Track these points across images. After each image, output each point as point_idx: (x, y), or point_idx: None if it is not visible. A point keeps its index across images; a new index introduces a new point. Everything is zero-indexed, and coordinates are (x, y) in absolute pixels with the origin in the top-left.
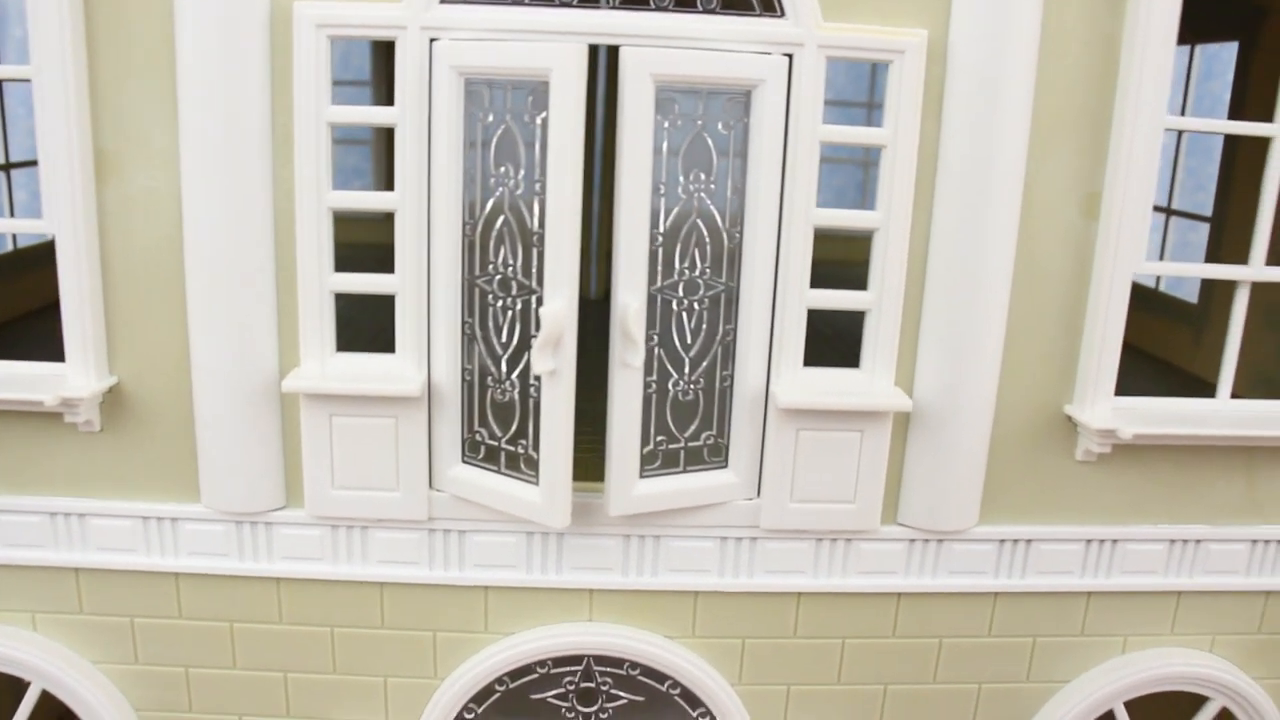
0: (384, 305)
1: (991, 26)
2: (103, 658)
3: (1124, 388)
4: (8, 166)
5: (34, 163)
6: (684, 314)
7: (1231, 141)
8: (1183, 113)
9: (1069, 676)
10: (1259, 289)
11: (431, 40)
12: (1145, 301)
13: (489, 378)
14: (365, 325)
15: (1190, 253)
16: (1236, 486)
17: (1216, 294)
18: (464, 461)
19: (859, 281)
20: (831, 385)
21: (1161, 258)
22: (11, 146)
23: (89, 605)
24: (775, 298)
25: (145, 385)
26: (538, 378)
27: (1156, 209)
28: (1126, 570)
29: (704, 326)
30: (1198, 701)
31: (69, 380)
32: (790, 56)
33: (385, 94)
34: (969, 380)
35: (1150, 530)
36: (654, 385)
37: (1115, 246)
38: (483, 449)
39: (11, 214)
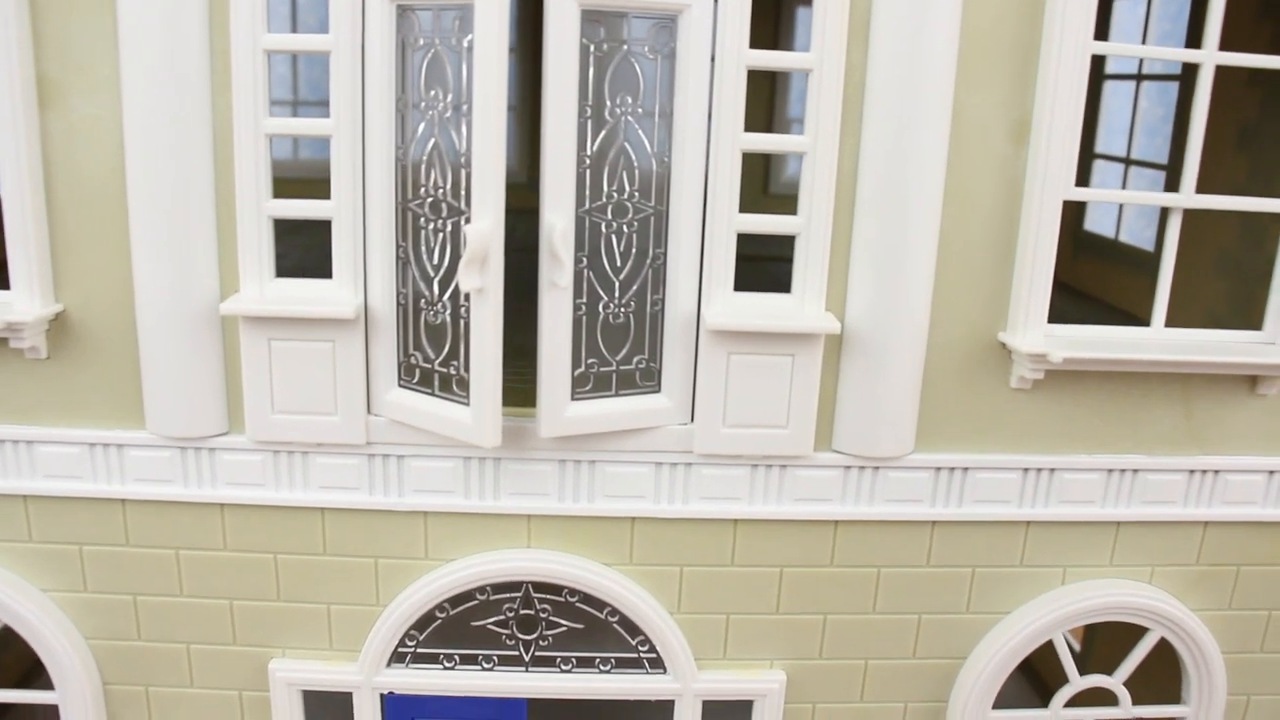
0: (322, 232)
1: None
2: (52, 585)
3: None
4: None
5: None
6: (613, 237)
7: (1186, 87)
8: (1140, 64)
9: (1009, 608)
10: (1209, 233)
11: None
12: (1103, 251)
13: (422, 300)
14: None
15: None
16: (1173, 416)
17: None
18: (400, 385)
19: None
20: (762, 308)
21: (1120, 216)
22: None
23: (38, 533)
24: (704, 221)
25: (91, 312)
26: (468, 298)
27: (1114, 158)
28: (1064, 500)
29: (633, 250)
30: (1137, 633)
31: (14, 306)
32: None
33: None
34: (900, 305)
35: (1087, 459)
36: (584, 308)
37: (1044, 172)
38: (418, 372)
39: None
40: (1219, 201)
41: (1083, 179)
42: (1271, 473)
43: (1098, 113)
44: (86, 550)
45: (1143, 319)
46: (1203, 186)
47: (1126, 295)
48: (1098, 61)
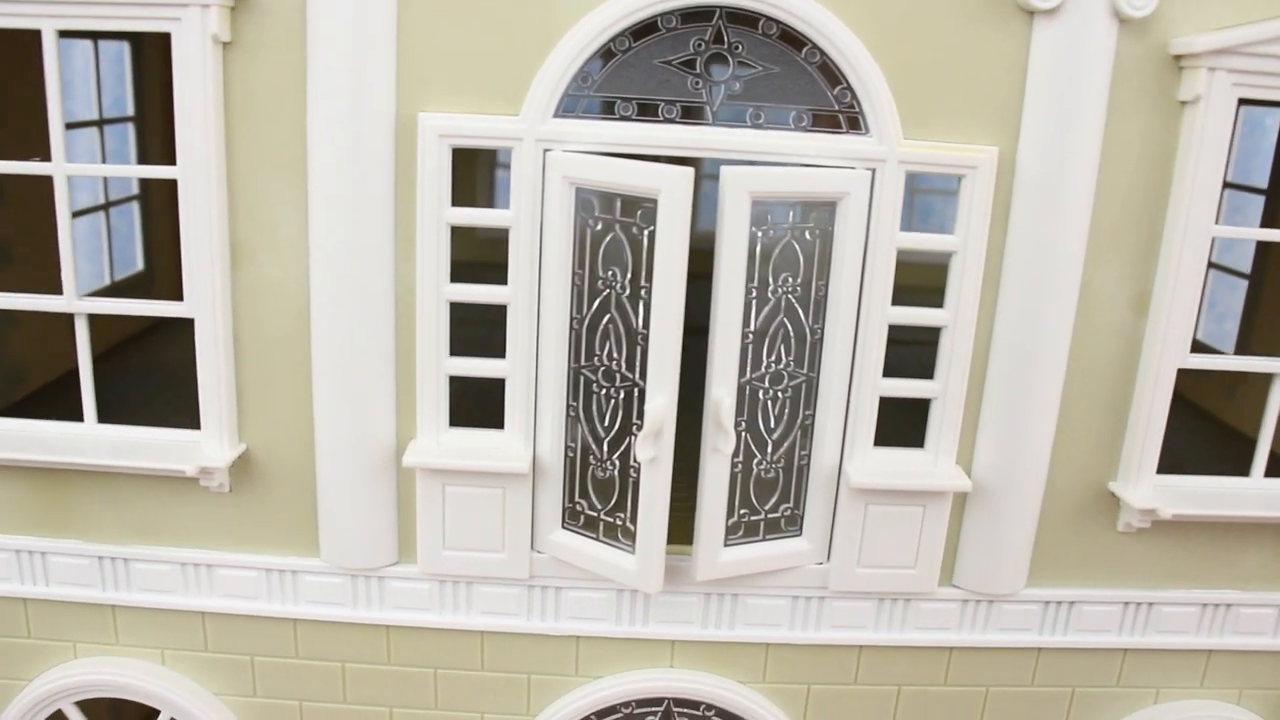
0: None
1: (1056, 144)
2: (224, 690)
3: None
4: (106, 206)
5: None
6: (769, 402)
7: (1273, 199)
8: (1226, 169)
9: None
10: None
11: (545, 151)
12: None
13: (590, 456)
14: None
15: (1231, 297)
16: (1266, 555)
17: (1252, 348)
18: (564, 527)
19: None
20: (899, 466)
21: (1200, 308)
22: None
23: (213, 644)
24: (851, 386)
25: (271, 452)
26: (637, 459)
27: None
28: (1161, 630)
29: (786, 412)
30: None
31: (204, 449)
32: (873, 171)
33: None
34: (1023, 460)
35: (1184, 594)
36: (739, 465)
37: (1163, 341)
38: (582, 517)
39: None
40: None
41: None
42: None
43: None
44: (257, 660)
45: (1216, 414)
46: None
47: (1201, 392)
48: None
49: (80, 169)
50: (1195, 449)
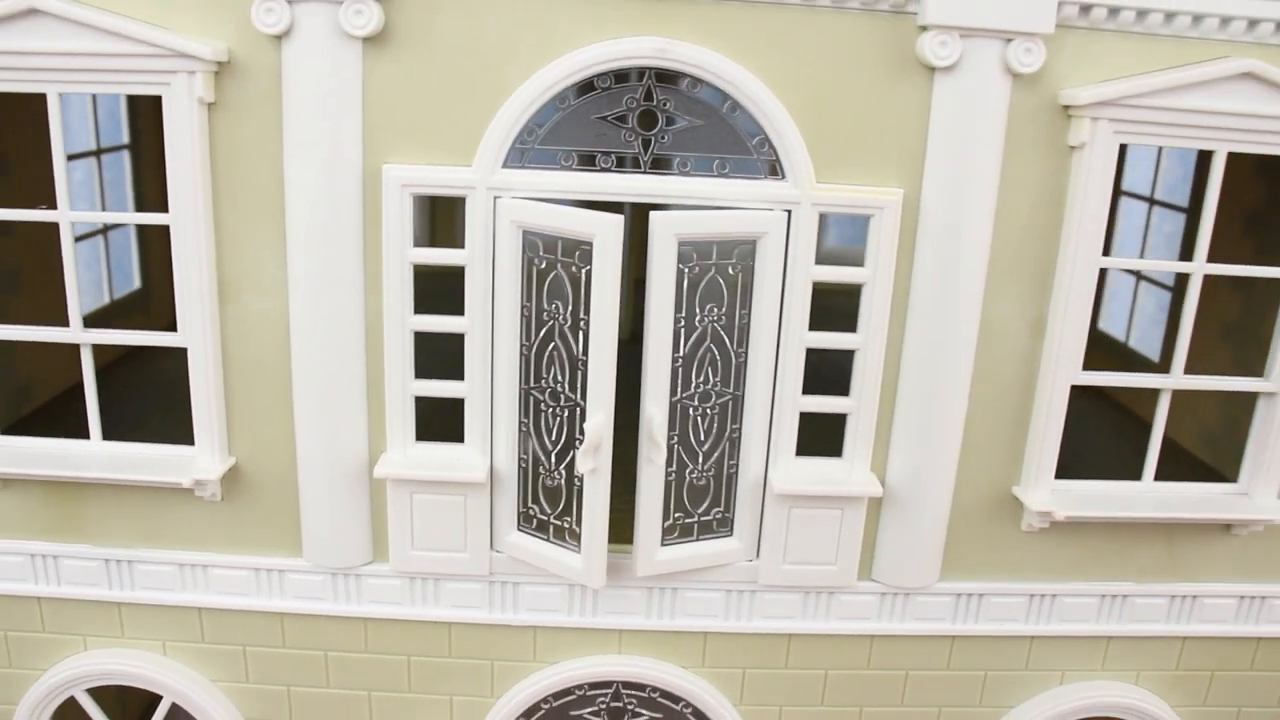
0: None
1: (957, 185)
2: (219, 677)
3: (1088, 433)
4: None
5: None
6: (699, 418)
7: (1193, 216)
8: (1153, 188)
9: (1014, 703)
10: (1211, 353)
11: (495, 197)
12: (1114, 352)
13: (540, 466)
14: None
15: (1158, 306)
16: (1158, 550)
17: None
18: (519, 530)
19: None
20: (818, 473)
21: (1131, 317)
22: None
23: (209, 636)
24: (773, 403)
25: (258, 464)
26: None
27: (1127, 271)
28: (1064, 619)
29: (715, 426)
30: None
31: (198, 462)
32: (789, 212)
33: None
34: (932, 467)
35: (1084, 586)
36: (674, 473)
37: (1057, 361)
38: (535, 521)
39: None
40: (1204, 382)
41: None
42: (1241, 597)
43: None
44: (249, 650)
45: (1142, 416)
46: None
47: (1130, 394)
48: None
49: (83, 216)
50: (1124, 450)
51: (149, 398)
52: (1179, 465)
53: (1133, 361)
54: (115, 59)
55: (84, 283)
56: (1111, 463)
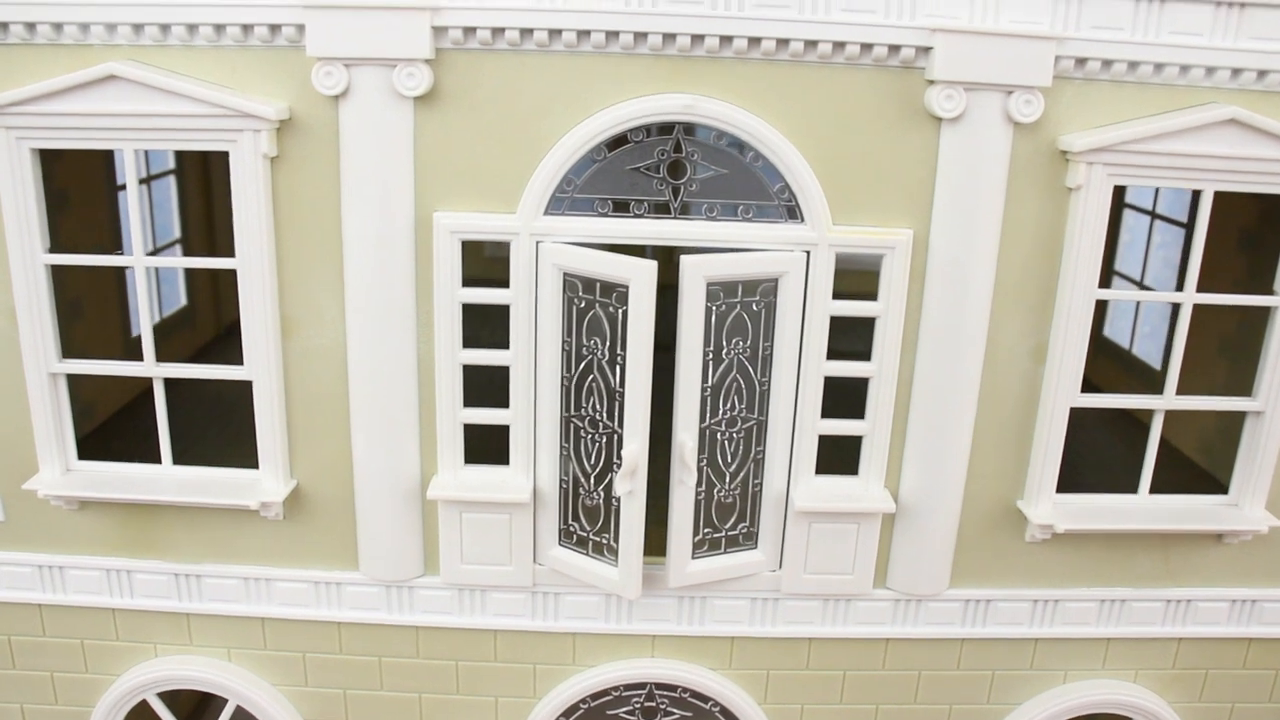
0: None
1: (963, 225)
2: (280, 681)
3: (1095, 440)
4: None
5: None
6: (726, 441)
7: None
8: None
9: (1020, 701)
10: (1208, 367)
11: (538, 242)
12: (1118, 358)
13: (580, 487)
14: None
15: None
16: (1154, 558)
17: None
18: (560, 545)
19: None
20: (836, 491)
21: (1134, 329)
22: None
23: (271, 644)
24: (794, 427)
25: (318, 486)
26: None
27: (1130, 279)
28: (1066, 622)
29: (740, 449)
30: None
31: (263, 485)
32: (808, 253)
33: None
34: (942, 483)
35: (1085, 592)
36: (703, 492)
37: (1057, 384)
38: (575, 537)
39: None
40: (1195, 402)
41: None
42: (1233, 601)
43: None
44: (308, 656)
45: (1143, 420)
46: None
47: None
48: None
49: (156, 261)
50: (1128, 456)
51: (204, 412)
52: (1179, 471)
53: (1135, 369)
54: (186, 119)
55: (134, 302)
56: (1115, 468)
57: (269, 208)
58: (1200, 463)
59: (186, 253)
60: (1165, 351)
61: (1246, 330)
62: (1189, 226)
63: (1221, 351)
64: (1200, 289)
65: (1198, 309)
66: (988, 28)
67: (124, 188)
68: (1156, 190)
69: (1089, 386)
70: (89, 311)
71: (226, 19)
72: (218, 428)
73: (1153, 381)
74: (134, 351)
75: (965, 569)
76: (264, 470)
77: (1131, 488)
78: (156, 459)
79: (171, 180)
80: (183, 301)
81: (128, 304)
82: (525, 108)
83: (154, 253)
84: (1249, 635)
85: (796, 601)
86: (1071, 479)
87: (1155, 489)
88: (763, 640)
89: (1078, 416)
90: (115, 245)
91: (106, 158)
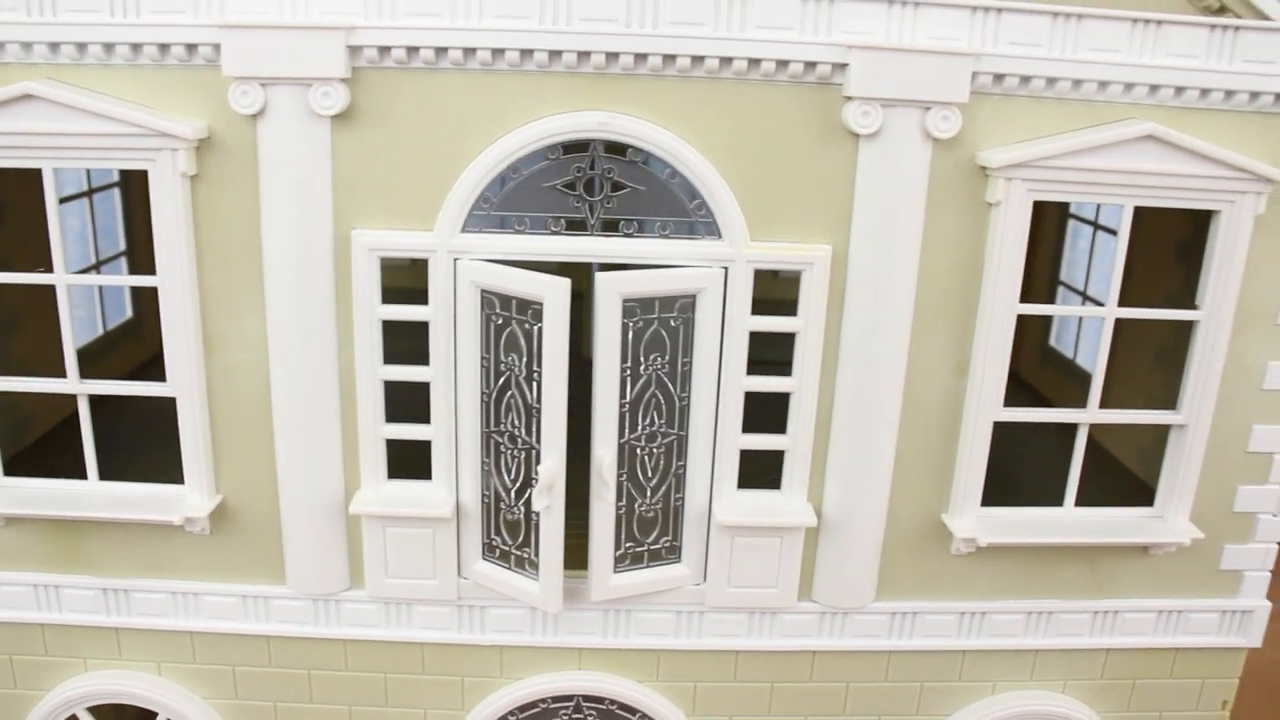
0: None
1: (882, 241)
2: (210, 695)
3: (1035, 450)
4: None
5: None
6: (646, 456)
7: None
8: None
9: (949, 712)
10: (1144, 377)
11: (455, 259)
12: (1063, 368)
13: (501, 502)
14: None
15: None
16: (1080, 570)
17: (1114, 372)
18: (484, 559)
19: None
20: (758, 505)
21: (1077, 340)
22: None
23: (200, 658)
24: (715, 441)
25: (243, 500)
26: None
27: (1075, 290)
28: (994, 634)
29: (661, 464)
30: None
31: (188, 500)
32: (726, 269)
33: None
34: (864, 497)
35: (1011, 604)
36: (624, 507)
37: (979, 399)
38: (497, 550)
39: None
40: (1118, 416)
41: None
42: (1160, 612)
43: None
44: (238, 670)
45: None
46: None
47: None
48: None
49: (78, 279)
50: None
51: (145, 425)
52: (1117, 480)
53: (1079, 379)
54: (104, 138)
55: (79, 314)
56: (1059, 479)
57: (189, 226)
58: (1138, 473)
59: (131, 265)
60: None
61: (1181, 342)
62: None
63: (1158, 362)
64: (1138, 300)
65: (1135, 321)
66: (904, 44)
67: (64, 201)
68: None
69: (1037, 397)
70: (27, 325)
71: (143, 38)
72: (159, 442)
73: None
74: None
75: (891, 582)
76: (189, 486)
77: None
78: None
79: (116, 193)
80: (129, 314)
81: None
82: (443, 126)
83: (98, 265)
84: (1175, 645)
85: (721, 615)
86: (1013, 489)
87: (1094, 499)
88: (689, 653)
89: (1021, 427)
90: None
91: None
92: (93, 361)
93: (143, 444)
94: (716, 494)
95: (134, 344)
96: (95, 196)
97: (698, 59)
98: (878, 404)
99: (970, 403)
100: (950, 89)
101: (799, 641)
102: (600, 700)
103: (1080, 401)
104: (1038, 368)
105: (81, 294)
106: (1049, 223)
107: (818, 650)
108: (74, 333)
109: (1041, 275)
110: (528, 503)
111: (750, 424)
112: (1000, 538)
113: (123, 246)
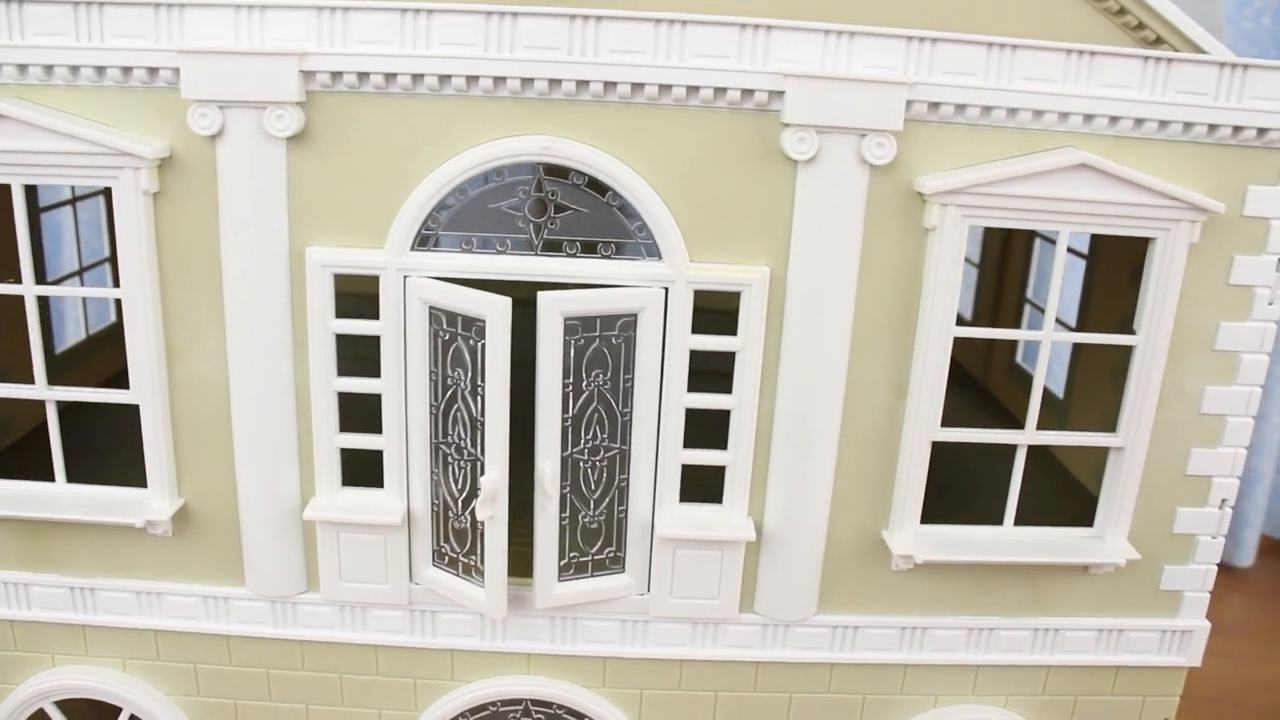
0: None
1: (820, 263)
2: (173, 691)
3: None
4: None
5: None
6: (589, 469)
7: (1091, 264)
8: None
9: None
10: (1101, 395)
11: (405, 276)
12: (1029, 386)
13: (449, 511)
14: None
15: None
16: (1022, 588)
17: (1076, 391)
18: (433, 565)
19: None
20: (699, 519)
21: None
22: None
23: (164, 655)
24: (657, 456)
25: (204, 504)
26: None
27: (1035, 306)
28: (935, 649)
29: (604, 477)
30: None
31: (151, 504)
32: (666, 289)
33: None
34: (805, 512)
35: (953, 620)
36: (567, 518)
37: (917, 419)
38: (446, 557)
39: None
40: (1055, 438)
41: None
42: (1100, 630)
43: None
44: (199, 668)
45: (1048, 449)
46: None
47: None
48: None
49: (46, 290)
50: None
51: (119, 430)
52: (1072, 499)
53: (1044, 397)
54: (69, 156)
55: (64, 318)
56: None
57: (151, 241)
58: (1093, 491)
59: (114, 274)
60: (1068, 381)
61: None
62: (1090, 259)
63: (1113, 382)
64: (1095, 322)
65: (1093, 341)
66: (839, 73)
67: (46, 210)
68: None
69: (1005, 414)
70: (8, 330)
71: (106, 61)
72: (132, 445)
73: (1057, 409)
74: (58, 369)
75: (833, 595)
76: (152, 489)
77: (1028, 515)
78: (71, 474)
79: (100, 200)
80: (111, 318)
81: (51, 323)
82: (393, 148)
83: (81, 272)
84: (1116, 663)
85: (666, 624)
86: (966, 506)
87: (1048, 518)
88: (635, 660)
89: (981, 444)
90: (35, 266)
91: None
92: (77, 364)
93: (117, 447)
94: (659, 507)
95: (116, 350)
96: (87, 201)
97: (638, 86)
98: (817, 422)
99: (909, 422)
100: (885, 117)
101: (742, 652)
102: (548, 705)
103: (1047, 420)
104: (1007, 385)
105: (69, 298)
106: (1018, 242)
107: (761, 661)
108: (61, 335)
109: (1011, 292)
110: (473, 512)
111: (697, 437)
112: (939, 555)
113: (107, 253)
